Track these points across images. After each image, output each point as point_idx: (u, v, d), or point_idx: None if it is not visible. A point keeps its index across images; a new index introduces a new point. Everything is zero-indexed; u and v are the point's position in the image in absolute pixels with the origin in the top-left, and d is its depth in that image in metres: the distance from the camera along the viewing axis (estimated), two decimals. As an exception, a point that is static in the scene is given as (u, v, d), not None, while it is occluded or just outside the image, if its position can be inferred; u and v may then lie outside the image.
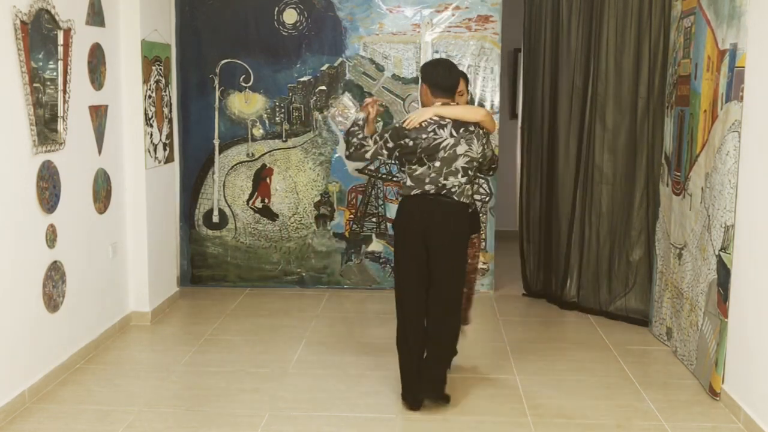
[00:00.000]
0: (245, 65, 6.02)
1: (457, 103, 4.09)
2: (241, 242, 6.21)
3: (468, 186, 3.93)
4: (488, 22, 5.88)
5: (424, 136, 3.85)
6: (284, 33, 5.99)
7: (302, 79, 6.03)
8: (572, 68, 5.61)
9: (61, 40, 4.21)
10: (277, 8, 5.97)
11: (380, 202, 6.13)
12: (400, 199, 4.01)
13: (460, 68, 6.09)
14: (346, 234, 6.18)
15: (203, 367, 4.50)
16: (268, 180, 6.15)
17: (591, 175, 5.54)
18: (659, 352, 4.82)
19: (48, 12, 4.05)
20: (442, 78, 3.96)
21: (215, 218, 6.21)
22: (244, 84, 6.05)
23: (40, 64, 4.02)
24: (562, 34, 5.64)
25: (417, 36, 5.93)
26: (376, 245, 6.17)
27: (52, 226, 4.15)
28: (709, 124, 4.18)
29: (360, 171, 6.10)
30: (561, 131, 5.71)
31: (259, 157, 6.12)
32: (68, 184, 4.32)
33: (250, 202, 6.18)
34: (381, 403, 3.99)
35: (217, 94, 6.07)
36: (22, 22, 3.77)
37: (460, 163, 3.87)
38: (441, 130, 3.86)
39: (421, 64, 5.81)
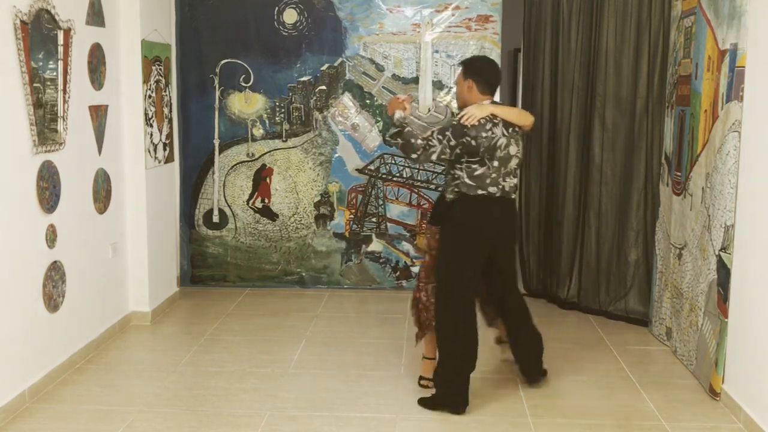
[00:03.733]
0: (245, 65, 6.02)
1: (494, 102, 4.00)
2: (241, 242, 6.21)
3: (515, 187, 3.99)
4: (488, 22, 5.88)
5: (484, 134, 3.80)
6: (284, 33, 5.99)
7: (302, 79, 6.02)
8: (572, 68, 5.61)
9: (61, 40, 4.21)
10: (277, 8, 5.96)
11: (380, 202, 6.13)
12: (454, 196, 3.90)
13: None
14: (346, 234, 6.18)
15: (203, 367, 4.50)
16: (268, 180, 6.15)
17: (590, 174, 5.54)
18: (659, 352, 4.82)
19: (48, 12, 4.05)
20: (494, 76, 4.01)
21: (215, 218, 6.21)
22: (244, 84, 6.05)
23: (40, 64, 4.02)
24: (562, 34, 5.64)
25: (417, 36, 5.93)
26: (376, 245, 6.17)
27: (52, 226, 4.15)
28: (710, 124, 4.18)
29: (360, 171, 6.10)
30: (561, 131, 5.71)
31: (259, 157, 6.12)
32: (68, 184, 4.32)
33: (250, 202, 6.18)
34: (381, 403, 3.99)
35: (217, 94, 6.07)
36: (22, 22, 3.77)
37: (513, 164, 3.90)
38: (496, 129, 3.83)
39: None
